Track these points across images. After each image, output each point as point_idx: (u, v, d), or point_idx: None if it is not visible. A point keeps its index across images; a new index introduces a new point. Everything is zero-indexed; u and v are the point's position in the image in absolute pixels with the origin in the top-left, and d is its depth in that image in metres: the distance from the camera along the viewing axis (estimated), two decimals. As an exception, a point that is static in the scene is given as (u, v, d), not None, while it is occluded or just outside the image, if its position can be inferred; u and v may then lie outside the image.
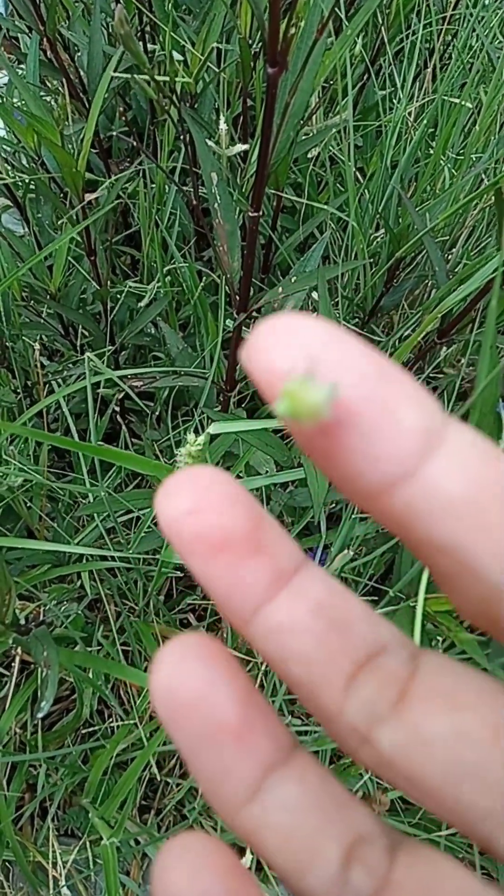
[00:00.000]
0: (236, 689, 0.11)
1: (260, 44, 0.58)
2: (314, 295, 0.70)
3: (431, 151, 0.63)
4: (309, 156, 0.64)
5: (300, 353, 0.10)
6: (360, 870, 0.11)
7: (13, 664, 0.58)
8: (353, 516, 0.49)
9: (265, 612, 0.11)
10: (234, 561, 0.11)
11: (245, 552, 0.11)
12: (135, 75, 0.43)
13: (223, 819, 0.12)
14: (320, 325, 0.10)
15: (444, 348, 0.60)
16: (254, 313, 0.53)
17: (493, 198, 0.58)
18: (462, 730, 0.10)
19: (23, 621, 0.51)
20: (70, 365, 0.68)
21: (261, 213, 0.41)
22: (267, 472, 0.53)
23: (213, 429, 0.35)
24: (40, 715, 0.38)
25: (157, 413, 0.72)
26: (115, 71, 0.54)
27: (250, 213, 0.42)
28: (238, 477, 0.49)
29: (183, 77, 0.50)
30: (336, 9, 0.57)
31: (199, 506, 0.11)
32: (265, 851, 0.11)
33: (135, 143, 0.57)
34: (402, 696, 0.11)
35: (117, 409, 0.70)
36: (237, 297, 0.49)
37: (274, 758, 0.11)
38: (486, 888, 0.11)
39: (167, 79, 0.43)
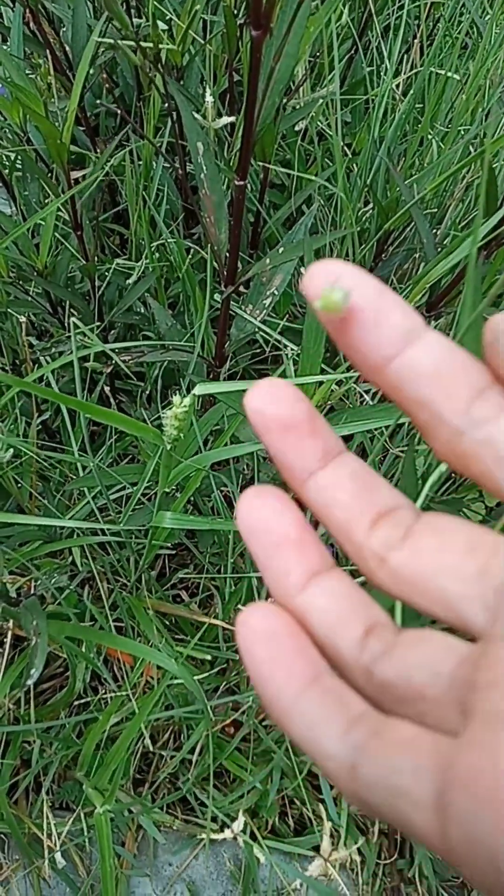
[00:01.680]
0: (296, 517, 0.16)
1: (245, 14, 0.57)
2: (303, 270, 0.70)
3: (420, 125, 0.63)
4: (297, 129, 0.64)
5: (332, 277, 0.16)
6: (375, 639, 0.15)
7: (5, 639, 0.58)
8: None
9: (318, 475, 0.17)
10: (299, 438, 0.16)
11: (306, 433, 0.17)
12: (120, 42, 0.42)
13: (281, 604, 0.16)
14: (345, 263, 0.16)
15: (434, 321, 0.60)
16: (241, 287, 0.53)
17: (479, 170, 0.58)
18: (445, 545, 0.15)
19: (14, 595, 0.52)
20: (58, 343, 0.67)
21: (247, 181, 0.41)
22: (257, 442, 0.53)
23: (198, 390, 0.35)
24: (30, 682, 0.39)
25: (147, 392, 0.72)
26: (100, 41, 0.54)
27: (236, 182, 0.41)
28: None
29: (168, 46, 0.49)
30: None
31: (277, 399, 0.16)
32: (310, 626, 0.16)
33: (119, 111, 0.57)
34: (408, 533, 0.16)
35: (107, 388, 0.70)
36: (225, 270, 0.49)
37: (320, 565, 0.16)
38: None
39: (151, 45, 0.42)
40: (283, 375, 0.55)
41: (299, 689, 0.15)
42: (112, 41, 0.43)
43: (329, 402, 0.49)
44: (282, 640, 0.15)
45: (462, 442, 0.15)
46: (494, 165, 0.58)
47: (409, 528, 0.16)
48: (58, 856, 0.55)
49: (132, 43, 0.42)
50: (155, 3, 0.52)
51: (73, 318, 0.41)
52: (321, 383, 0.47)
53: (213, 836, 0.56)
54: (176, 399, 0.30)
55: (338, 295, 0.15)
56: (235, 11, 0.54)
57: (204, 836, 0.58)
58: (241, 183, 0.41)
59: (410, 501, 0.17)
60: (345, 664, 0.15)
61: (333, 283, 0.15)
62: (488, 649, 0.14)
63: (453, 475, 0.58)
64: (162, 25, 0.52)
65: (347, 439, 0.57)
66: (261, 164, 0.54)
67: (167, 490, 0.43)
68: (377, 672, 0.15)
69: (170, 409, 0.30)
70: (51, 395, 0.36)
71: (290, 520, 0.16)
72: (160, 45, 0.44)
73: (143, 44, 0.41)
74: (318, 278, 0.16)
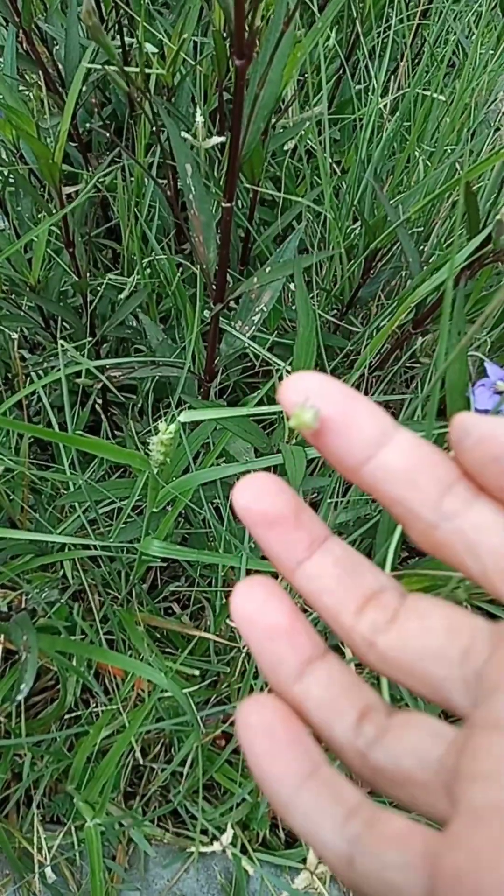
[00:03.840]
0: (287, 606, 0.17)
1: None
2: (293, 287, 0.71)
3: (407, 144, 0.64)
4: (286, 148, 0.65)
5: (303, 392, 0.17)
6: (368, 723, 0.16)
7: (-4, 653, 0.59)
8: (329, 501, 0.50)
9: (306, 564, 0.18)
10: (285, 531, 0.18)
11: (291, 526, 0.18)
12: (108, 67, 0.43)
13: (278, 693, 0.17)
14: (317, 375, 0.17)
15: (420, 338, 0.61)
16: (231, 303, 0.54)
17: (461, 190, 0.59)
18: (428, 629, 0.16)
19: (5, 609, 0.52)
20: (51, 357, 0.68)
21: (234, 203, 0.42)
22: (247, 461, 0.54)
23: (183, 417, 0.36)
24: (20, 697, 0.39)
25: (138, 405, 0.73)
26: (92, 63, 0.55)
27: (224, 204, 0.42)
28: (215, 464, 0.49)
29: (157, 69, 0.50)
30: (309, 2, 0.57)
31: (261, 495, 0.17)
32: (307, 714, 0.17)
33: (109, 135, 0.58)
34: (394, 617, 0.17)
35: (99, 400, 0.71)
36: (214, 288, 0.50)
37: (313, 653, 0.17)
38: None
39: (137, 70, 0.43)
40: (273, 390, 0.56)
41: (298, 782, 0.15)
42: (101, 66, 0.44)
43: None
44: (279, 733, 0.16)
45: (436, 533, 0.16)
46: (478, 185, 0.60)
47: (395, 611, 0.17)
48: (48, 870, 0.55)
49: (122, 68, 0.43)
50: (145, 25, 0.53)
51: (62, 339, 0.42)
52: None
53: (203, 849, 0.56)
54: (162, 425, 0.31)
55: (308, 415, 0.16)
56: (224, 34, 0.55)
57: (194, 848, 0.58)
58: (228, 205, 0.42)
59: (395, 582, 0.18)
60: (340, 748, 0.16)
61: (304, 400, 0.17)
62: (472, 736, 0.14)
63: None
64: (153, 48, 0.53)
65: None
66: (249, 185, 0.55)
67: (156, 508, 0.44)
68: (371, 757, 0.16)
69: (156, 434, 0.31)
70: (37, 432, 0.37)
71: (281, 609, 0.17)
72: (149, 70, 0.45)
73: (129, 69, 0.42)
74: (290, 395, 0.17)
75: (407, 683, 0.16)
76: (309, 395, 0.17)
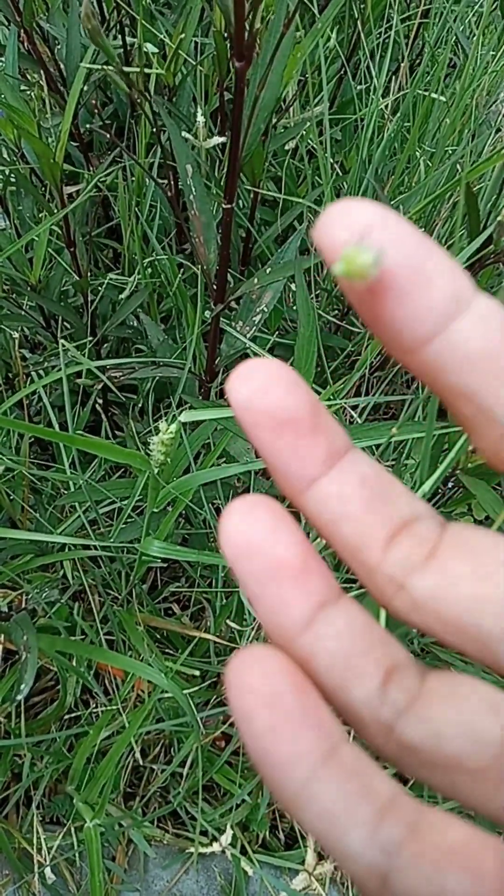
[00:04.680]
0: (297, 536, 0.13)
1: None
2: (293, 287, 0.71)
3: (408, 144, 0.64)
4: (287, 148, 0.65)
5: (357, 228, 0.12)
6: (396, 687, 0.13)
7: (-4, 653, 0.59)
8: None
9: (321, 482, 0.13)
10: (296, 437, 0.13)
11: (306, 430, 0.13)
12: (108, 69, 0.43)
13: (280, 645, 0.13)
14: (374, 205, 0.12)
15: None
16: (231, 304, 0.54)
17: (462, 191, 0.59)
18: (482, 571, 0.12)
19: (5, 609, 0.52)
20: (52, 357, 0.68)
21: (234, 204, 0.42)
22: (248, 461, 0.54)
23: (183, 417, 0.36)
24: (20, 697, 0.39)
25: (139, 405, 0.73)
26: (92, 63, 0.55)
27: (224, 205, 0.42)
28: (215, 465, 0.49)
29: (158, 69, 0.50)
30: (310, 3, 0.57)
31: (268, 387, 0.13)
32: (316, 674, 0.13)
33: (110, 136, 0.58)
34: (432, 552, 0.13)
35: (100, 400, 0.71)
36: (214, 288, 0.50)
37: (327, 596, 0.13)
38: None
39: (137, 70, 0.43)
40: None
41: (311, 768, 0.12)
42: (101, 67, 0.44)
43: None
44: (286, 700, 0.12)
45: None
46: (479, 186, 0.60)
47: (433, 544, 0.13)
48: (48, 871, 0.55)
49: (121, 70, 0.43)
50: (146, 25, 0.53)
51: (62, 338, 0.42)
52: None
53: (202, 850, 0.56)
54: (162, 425, 0.31)
55: (366, 257, 0.11)
56: (225, 35, 0.55)
57: (193, 849, 0.58)
58: (229, 206, 0.42)
59: (433, 510, 0.14)
60: (359, 719, 0.13)
61: (360, 238, 0.12)
62: None
63: (440, 489, 0.59)
64: (153, 49, 0.53)
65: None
66: (249, 187, 0.55)
67: (156, 509, 0.44)
68: (399, 731, 0.12)
69: (157, 434, 0.31)
70: (38, 432, 0.37)
71: (288, 539, 0.13)
72: (150, 71, 0.45)
73: (129, 69, 0.42)
74: (339, 230, 0.12)
75: (448, 640, 0.12)
76: (364, 232, 0.12)
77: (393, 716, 0.12)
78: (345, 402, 0.53)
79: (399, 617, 0.13)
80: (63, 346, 0.43)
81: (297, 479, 0.13)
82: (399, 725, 0.12)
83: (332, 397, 0.54)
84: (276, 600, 0.13)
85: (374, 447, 0.56)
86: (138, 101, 0.42)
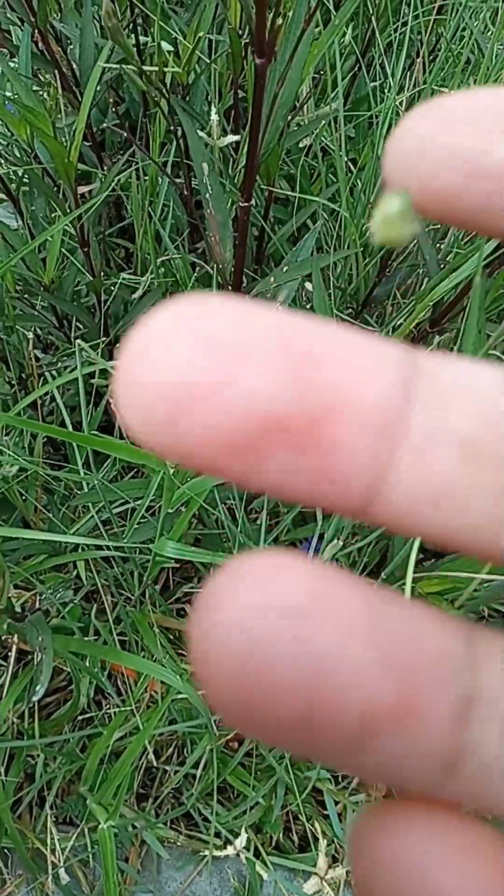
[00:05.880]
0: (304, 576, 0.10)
1: (250, 35, 0.58)
2: (308, 286, 0.70)
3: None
4: (301, 146, 0.65)
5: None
6: None
7: (10, 654, 0.59)
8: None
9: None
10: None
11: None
12: (124, 66, 0.43)
13: None
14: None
15: (437, 337, 0.60)
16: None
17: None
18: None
19: (19, 610, 0.52)
20: (64, 357, 0.68)
21: (251, 203, 0.42)
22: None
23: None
24: (35, 698, 0.39)
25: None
26: (106, 62, 0.55)
27: (241, 204, 0.42)
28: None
29: (174, 68, 0.50)
30: (325, 0, 0.57)
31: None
32: None
33: (125, 134, 0.58)
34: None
35: (112, 400, 0.70)
36: (229, 288, 0.50)
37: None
38: None
39: (156, 69, 0.43)
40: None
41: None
42: (117, 66, 0.43)
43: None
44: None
45: None
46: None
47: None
48: (61, 871, 0.55)
49: (140, 68, 0.42)
50: (160, 23, 0.53)
51: (77, 339, 0.42)
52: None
53: (216, 853, 0.55)
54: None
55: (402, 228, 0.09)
56: (240, 32, 0.55)
57: (207, 852, 0.57)
58: (246, 205, 0.41)
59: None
60: None
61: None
62: None
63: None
64: (168, 46, 0.53)
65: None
66: (265, 186, 0.55)
67: (170, 509, 0.44)
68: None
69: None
70: (52, 432, 0.36)
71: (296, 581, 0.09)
72: (165, 69, 0.45)
73: (147, 67, 0.42)
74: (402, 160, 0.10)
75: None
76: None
77: None
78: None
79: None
80: (78, 345, 0.43)
81: None
82: None
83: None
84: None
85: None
86: (156, 98, 0.42)
